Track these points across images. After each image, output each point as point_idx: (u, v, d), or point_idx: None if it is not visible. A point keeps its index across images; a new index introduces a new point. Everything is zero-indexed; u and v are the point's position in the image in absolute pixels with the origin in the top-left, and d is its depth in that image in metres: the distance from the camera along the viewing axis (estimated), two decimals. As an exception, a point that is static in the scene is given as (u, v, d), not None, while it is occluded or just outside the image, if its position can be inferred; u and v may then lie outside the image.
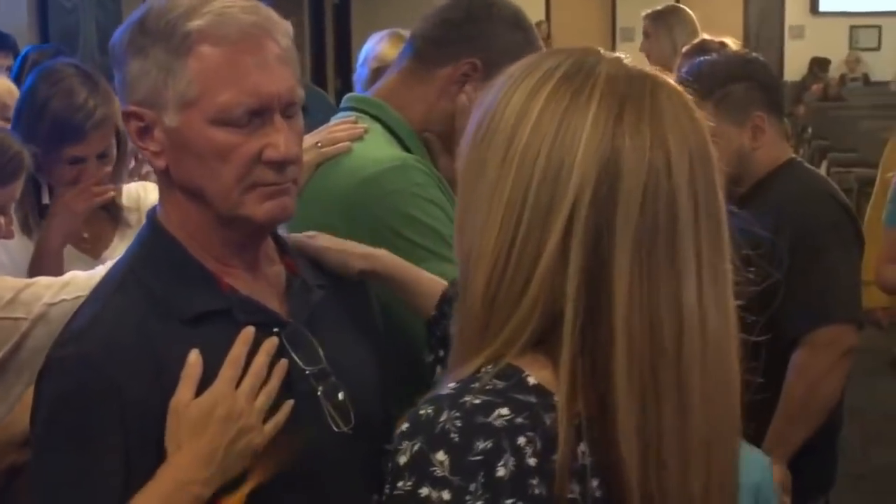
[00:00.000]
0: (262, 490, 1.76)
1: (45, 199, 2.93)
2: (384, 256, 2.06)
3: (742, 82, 3.25)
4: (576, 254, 1.32)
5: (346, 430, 1.83)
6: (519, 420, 1.31)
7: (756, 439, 3.07)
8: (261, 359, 1.77)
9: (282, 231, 2.04)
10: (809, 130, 15.91)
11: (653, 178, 1.33)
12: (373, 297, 2.10)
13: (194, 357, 1.73)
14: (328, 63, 13.88)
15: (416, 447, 1.30)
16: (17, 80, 4.42)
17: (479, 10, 2.47)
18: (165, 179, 1.84)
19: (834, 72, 18.39)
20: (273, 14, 1.82)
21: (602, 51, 1.44)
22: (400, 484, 1.30)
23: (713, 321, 1.37)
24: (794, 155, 3.42)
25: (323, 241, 2.04)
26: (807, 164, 3.49)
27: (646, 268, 1.33)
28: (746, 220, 3.18)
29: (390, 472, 1.32)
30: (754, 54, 3.62)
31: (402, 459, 1.31)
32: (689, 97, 1.42)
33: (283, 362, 1.80)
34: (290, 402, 1.79)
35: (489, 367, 1.36)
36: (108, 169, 2.92)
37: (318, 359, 1.85)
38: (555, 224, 1.33)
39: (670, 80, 1.43)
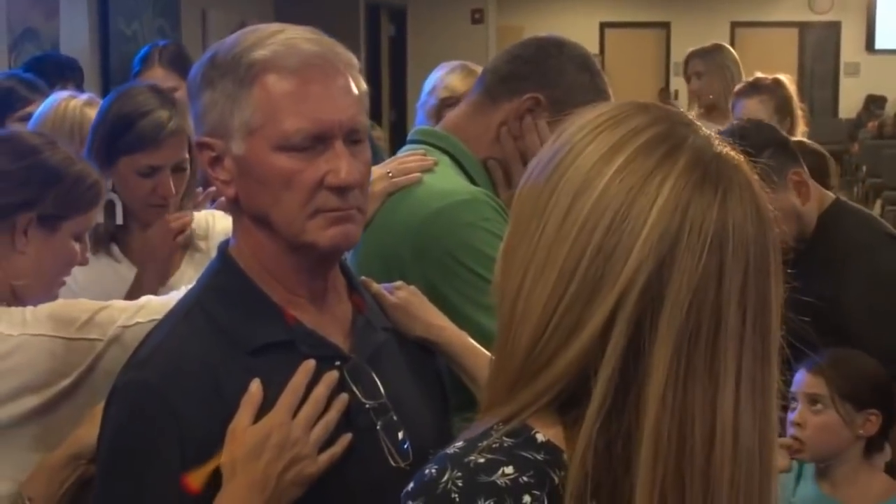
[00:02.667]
0: None
1: (119, 220, 2.95)
2: (448, 332, 2.06)
3: (766, 150, 3.24)
4: (615, 342, 1.29)
5: (405, 465, 1.84)
6: (524, 479, 1.29)
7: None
8: (320, 390, 1.79)
9: (351, 261, 2.06)
10: (864, 168, 15.82)
11: (703, 284, 1.29)
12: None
13: (255, 386, 1.76)
14: (383, 95, 13.97)
15: None
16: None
17: (550, 48, 2.51)
18: (235, 208, 1.87)
19: (890, 109, 18.27)
20: (337, 45, 1.86)
21: (692, 121, 1.39)
22: None
23: (747, 435, 1.32)
24: (833, 196, 3.41)
25: (401, 295, 2.04)
26: (851, 203, 3.48)
27: (682, 371, 1.29)
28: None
29: None
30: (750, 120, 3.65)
31: None
32: (764, 195, 1.36)
33: (343, 396, 1.81)
34: (347, 436, 1.80)
35: (500, 423, 1.34)
36: (182, 186, 2.95)
37: (379, 394, 1.86)
38: (600, 306, 1.29)
39: (748, 169, 1.37)
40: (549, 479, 1.30)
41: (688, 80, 5.83)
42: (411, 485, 1.32)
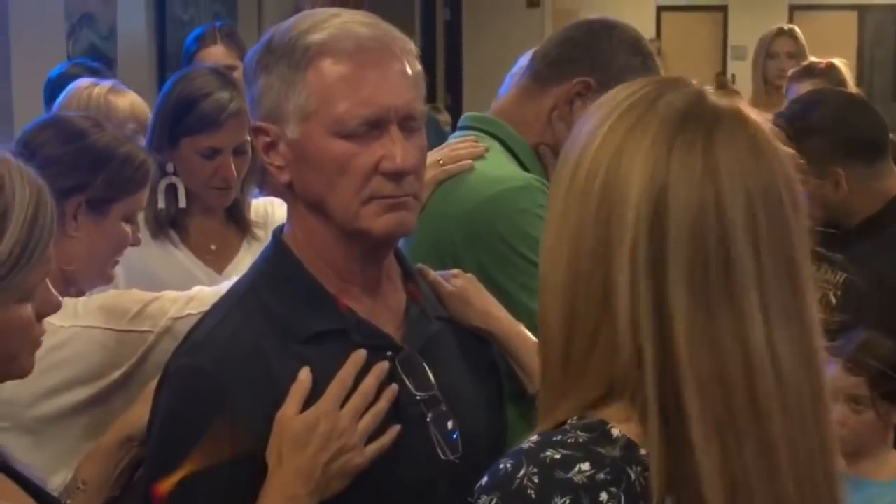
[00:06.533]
0: None
1: (182, 203, 2.97)
2: (504, 322, 2.05)
3: (815, 137, 3.26)
4: (644, 290, 1.30)
5: (454, 458, 1.84)
6: (601, 476, 1.29)
7: None
8: (370, 381, 1.79)
9: (403, 248, 2.06)
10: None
11: (701, 215, 1.31)
12: None
13: (304, 374, 1.77)
14: (438, 79, 13.96)
15: (493, 502, 1.30)
16: None
17: (600, 31, 2.50)
18: (290, 194, 1.88)
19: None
20: (393, 30, 1.86)
21: (689, 80, 1.42)
22: None
23: (788, 364, 1.33)
24: None
25: (458, 283, 2.03)
26: None
27: (703, 302, 1.30)
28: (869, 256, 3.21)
29: None
30: (845, 95, 3.62)
31: None
32: (766, 133, 1.38)
33: (393, 386, 1.81)
34: (396, 427, 1.80)
35: (574, 419, 1.34)
36: (244, 169, 2.96)
37: (430, 385, 1.86)
38: (619, 260, 1.31)
39: (750, 113, 1.39)
40: (625, 475, 1.30)
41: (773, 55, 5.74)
42: (485, 479, 1.32)
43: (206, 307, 2.01)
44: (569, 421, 1.34)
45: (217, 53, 4.49)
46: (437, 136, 4.22)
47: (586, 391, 1.34)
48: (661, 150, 1.32)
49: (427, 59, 14.30)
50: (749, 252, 1.32)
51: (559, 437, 1.31)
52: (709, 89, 1.41)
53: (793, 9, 18.21)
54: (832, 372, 2.99)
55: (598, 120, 1.38)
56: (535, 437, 1.34)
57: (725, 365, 1.30)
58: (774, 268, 1.33)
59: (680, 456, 1.29)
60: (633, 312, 1.30)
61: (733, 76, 17.14)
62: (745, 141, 1.35)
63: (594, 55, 2.46)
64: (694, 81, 1.42)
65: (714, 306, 1.30)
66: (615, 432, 1.32)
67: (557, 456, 1.29)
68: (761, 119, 1.40)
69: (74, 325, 2.19)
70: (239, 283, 1.94)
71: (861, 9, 18.80)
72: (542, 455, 1.30)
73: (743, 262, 1.31)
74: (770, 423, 1.31)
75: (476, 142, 2.43)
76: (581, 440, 1.31)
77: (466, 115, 2.60)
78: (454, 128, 2.66)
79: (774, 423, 1.31)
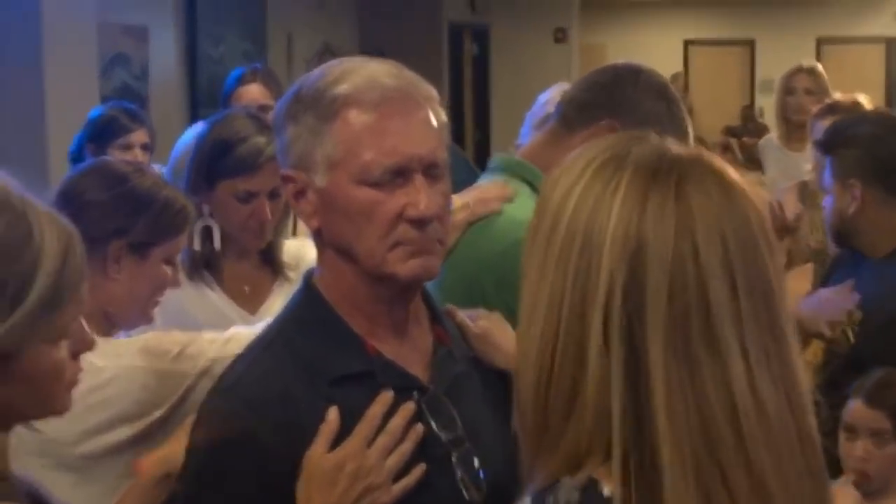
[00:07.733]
0: None
1: (217, 245, 3.00)
2: None
3: (850, 148, 3.38)
4: (617, 349, 1.31)
5: (478, 498, 1.87)
6: None
7: None
8: (396, 421, 1.83)
9: (434, 290, 2.10)
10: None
11: (679, 266, 1.31)
12: None
13: (332, 414, 1.81)
14: (466, 115, 14.00)
15: None
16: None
17: (626, 76, 2.53)
18: (319, 240, 1.92)
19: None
20: (417, 79, 1.91)
21: (650, 135, 1.43)
22: None
23: (772, 403, 1.33)
24: None
25: (483, 324, 2.05)
26: None
27: (682, 354, 1.30)
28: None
29: None
30: (893, 120, 3.66)
31: None
32: (732, 176, 1.39)
33: (419, 427, 1.85)
34: (421, 466, 1.83)
35: (567, 476, 1.34)
36: (279, 212, 2.98)
37: (455, 426, 1.89)
38: (592, 321, 1.32)
39: (714, 160, 1.40)
40: None
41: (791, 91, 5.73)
42: None
43: (244, 348, 2.06)
44: (562, 479, 1.34)
45: (254, 91, 4.59)
46: (467, 172, 4.24)
47: (565, 452, 1.35)
48: (634, 207, 1.33)
49: (455, 94, 14.35)
50: (727, 297, 1.32)
51: (552, 499, 1.32)
52: (671, 141, 1.42)
53: (821, 42, 18.21)
54: (853, 407, 3.03)
55: (567, 185, 1.39)
56: (528, 500, 1.34)
57: (710, 414, 1.31)
58: (753, 310, 1.33)
59: None
60: (602, 372, 1.31)
61: (761, 109, 17.16)
62: (714, 187, 1.36)
63: (620, 100, 2.49)
64: (652, 135, 1.44)
65: (694, 357, 1.31)
66: (605, 492, 1.32)
67: None
68: (724, 163, 1.41)
69: (117, 366, 2.24)
70: (269, 326, 1.98)
71: (889, 41, 18.80)
72: None
73: (721, 308, 1.32)
74: (762, 468, 1.31)
75: (505, 185, 2.48)
76: (574, 500, 1.31)
77: (495, 157, 2.64)
78: (477, 162, 2.69)
79: (765, 467, 1.31)
